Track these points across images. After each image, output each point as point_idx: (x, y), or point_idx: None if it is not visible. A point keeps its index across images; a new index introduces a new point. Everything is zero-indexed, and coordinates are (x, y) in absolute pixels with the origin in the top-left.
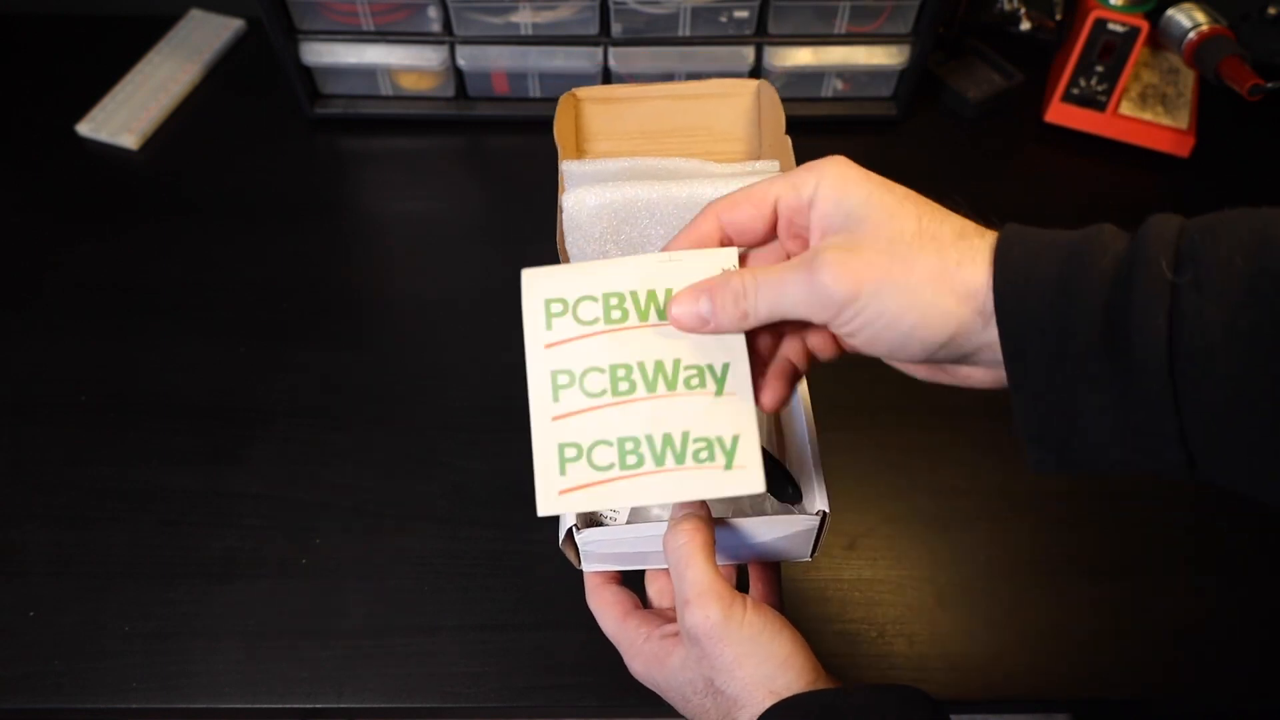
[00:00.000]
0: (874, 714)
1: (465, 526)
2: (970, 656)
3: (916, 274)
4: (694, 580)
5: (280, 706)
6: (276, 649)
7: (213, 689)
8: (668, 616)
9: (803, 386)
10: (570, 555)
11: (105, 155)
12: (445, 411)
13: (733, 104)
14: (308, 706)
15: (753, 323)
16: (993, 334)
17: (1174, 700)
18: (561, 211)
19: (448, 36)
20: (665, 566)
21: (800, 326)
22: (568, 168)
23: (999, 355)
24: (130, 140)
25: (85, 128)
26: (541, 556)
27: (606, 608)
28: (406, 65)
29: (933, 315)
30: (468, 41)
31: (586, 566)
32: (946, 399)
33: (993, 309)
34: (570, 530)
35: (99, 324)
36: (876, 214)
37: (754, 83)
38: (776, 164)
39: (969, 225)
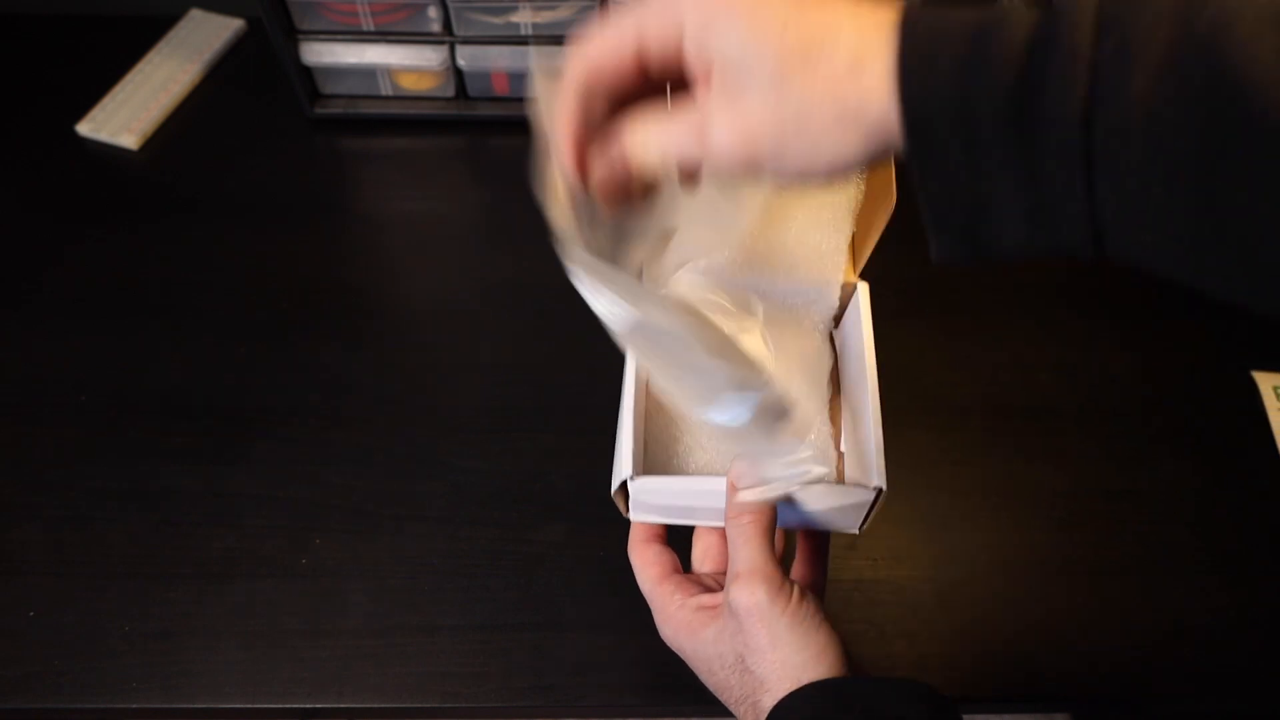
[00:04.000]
0: (883, 701)
1: (465, 526)
2: (970, 656)
3: (816, 119)
4: (748, 557)
5: (280, 706)
6: (276, 649)
7: (213, 689)
8: (704, 584)
9: (870, 359)
10: (620, 504)
11: (105, 155)
12: (445, 411)
13: None
14: (308, 706)
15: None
16: None
17: (1174, 700)
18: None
19: (448, 36)
20: (715, 525)
21: None
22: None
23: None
24: (130, 140)
25: (85, 128)
26: (541, 556)
27: (646, 565)
28: (406, 65)
29: (847, 133)
30: (468, 41)
31: (634, 516)
32: (946, 399)
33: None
34: (625, 481)
35: (99, 324)
36: (752, 47)
37: None
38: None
39: (861, 12)
